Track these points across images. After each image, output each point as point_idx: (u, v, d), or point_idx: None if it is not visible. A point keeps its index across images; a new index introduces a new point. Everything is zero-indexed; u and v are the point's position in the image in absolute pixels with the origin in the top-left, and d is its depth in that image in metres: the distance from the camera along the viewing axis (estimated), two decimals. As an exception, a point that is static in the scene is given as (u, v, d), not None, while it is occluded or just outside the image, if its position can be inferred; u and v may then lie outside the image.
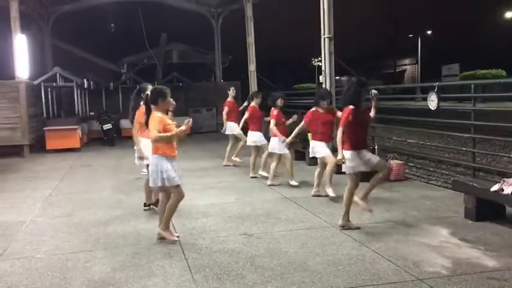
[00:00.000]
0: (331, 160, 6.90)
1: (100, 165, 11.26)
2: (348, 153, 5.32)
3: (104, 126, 15.83)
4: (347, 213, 5.46)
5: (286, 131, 7.94)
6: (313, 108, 7.39)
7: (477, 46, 36.55)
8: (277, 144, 7.84)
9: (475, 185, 5.76)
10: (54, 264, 4.61)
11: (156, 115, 5.04)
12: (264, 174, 8.64)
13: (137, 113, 6.40)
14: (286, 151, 7.83)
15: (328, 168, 7.00)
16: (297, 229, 5.55)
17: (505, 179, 5.43)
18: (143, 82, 21.09)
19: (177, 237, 5.27)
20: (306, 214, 6.22)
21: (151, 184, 5.28)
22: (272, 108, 8.02)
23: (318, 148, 7.19)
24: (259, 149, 8.96)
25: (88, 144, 15.77)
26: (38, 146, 14.20)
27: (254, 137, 8.95)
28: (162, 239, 5.21)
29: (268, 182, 8.13)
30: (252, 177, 8.86)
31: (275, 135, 7.84)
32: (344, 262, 4.43)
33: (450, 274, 4.07)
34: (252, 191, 7.75)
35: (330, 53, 9.52)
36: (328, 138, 7.25)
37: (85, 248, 5.10)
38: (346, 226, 5.45)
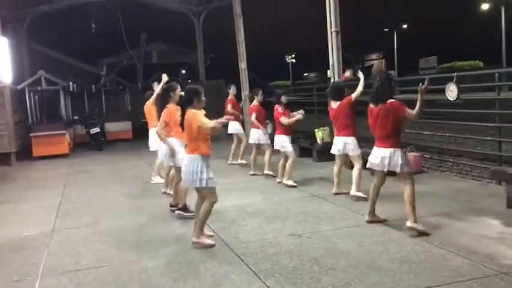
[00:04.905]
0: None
1: (97, 171, 10.79)
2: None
3: (91, 130, 15.25)
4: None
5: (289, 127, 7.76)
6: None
7: (453, 38, 36.68)
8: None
9: (517, 174, 5.72)
10: (106, 277, 4.29)
11: (199, 112, 4.94)
12: (270, 173, 8.46)
13: (164, 111, 6.16)
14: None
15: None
16: (344, 227, 5.37)
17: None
18: (125, 83, 20.42)
19: (212, 236, 5.19)
20: (344, 211, 6.05)
21: (188, 184, 5.23)
22: (276, 105, 7.83)
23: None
24: (259, 147, 8.88)
25: (74, 150, 15.11)
26: (23, 153, 13.56)
27: (257, 135, 8.80)
28: (197, 244, 4.95)
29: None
30: (251, 175, 8.87)
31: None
32: (413, 259, 4.27)
33: (532, 266, 3.98)
34: (275, 190, 7.52)
35: (337, 48, 9.35)
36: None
37: (130, 258, 4.77)
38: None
